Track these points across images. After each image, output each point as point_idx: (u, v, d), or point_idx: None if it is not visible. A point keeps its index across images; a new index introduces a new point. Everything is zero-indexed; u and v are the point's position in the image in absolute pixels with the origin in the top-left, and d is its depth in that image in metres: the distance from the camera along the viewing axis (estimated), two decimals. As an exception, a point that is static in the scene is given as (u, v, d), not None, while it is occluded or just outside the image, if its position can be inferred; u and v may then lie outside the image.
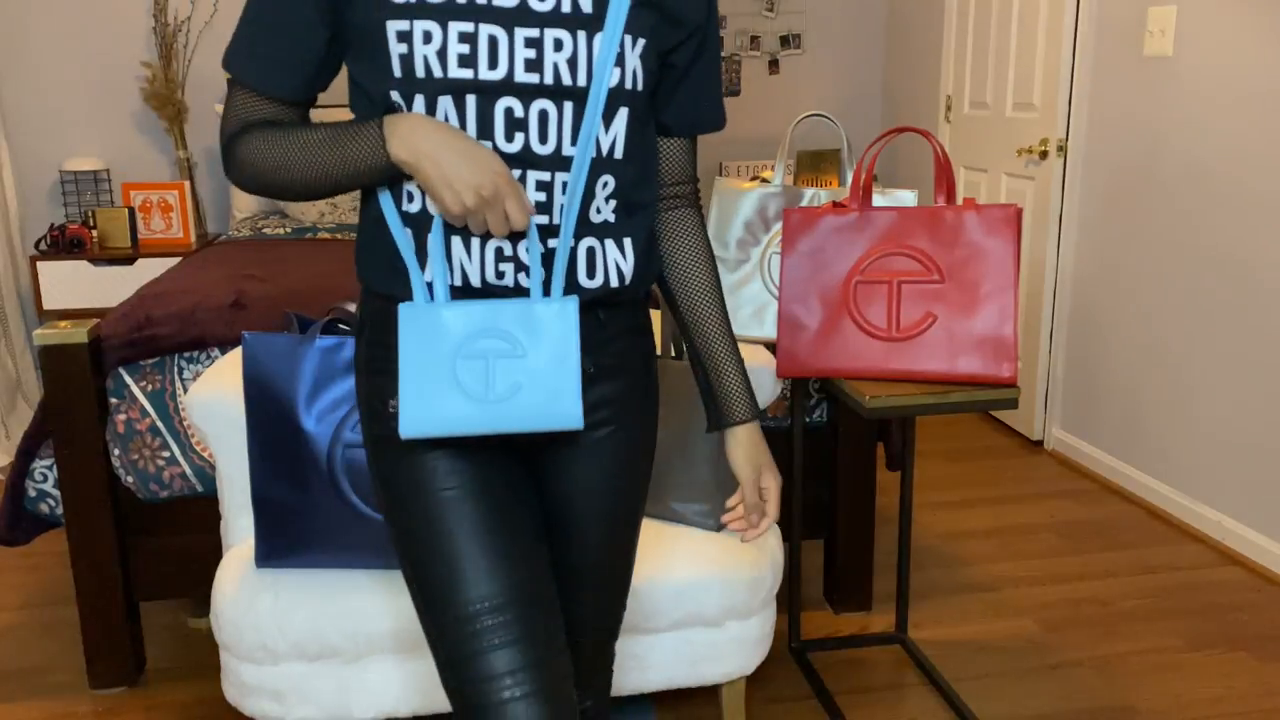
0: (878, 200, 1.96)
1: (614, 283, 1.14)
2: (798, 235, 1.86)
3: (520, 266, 1.10)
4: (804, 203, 2.00)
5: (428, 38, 1.02)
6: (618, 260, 1.14)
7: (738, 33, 4.71)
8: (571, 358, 1.08)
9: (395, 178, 1.08)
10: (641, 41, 1.09)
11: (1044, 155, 3.54)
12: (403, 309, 1.09)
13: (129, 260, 3.91)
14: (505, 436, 1.18)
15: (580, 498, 1.23)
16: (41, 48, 4.07)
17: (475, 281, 1.10)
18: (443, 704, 1.76)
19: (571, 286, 1.12)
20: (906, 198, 1.97)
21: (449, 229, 1.09)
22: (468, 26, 1.02)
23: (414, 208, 1.10)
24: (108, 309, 3.89)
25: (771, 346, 2.04)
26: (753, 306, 2.00)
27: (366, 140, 1.05)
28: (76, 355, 2.07)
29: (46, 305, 3.89)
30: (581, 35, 1.05)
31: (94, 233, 3.93)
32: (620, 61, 1.07)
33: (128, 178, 4.22)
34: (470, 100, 1.04)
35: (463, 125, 1.06)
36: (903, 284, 1.80)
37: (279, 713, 1.76)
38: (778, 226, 2.00)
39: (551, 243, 1.10)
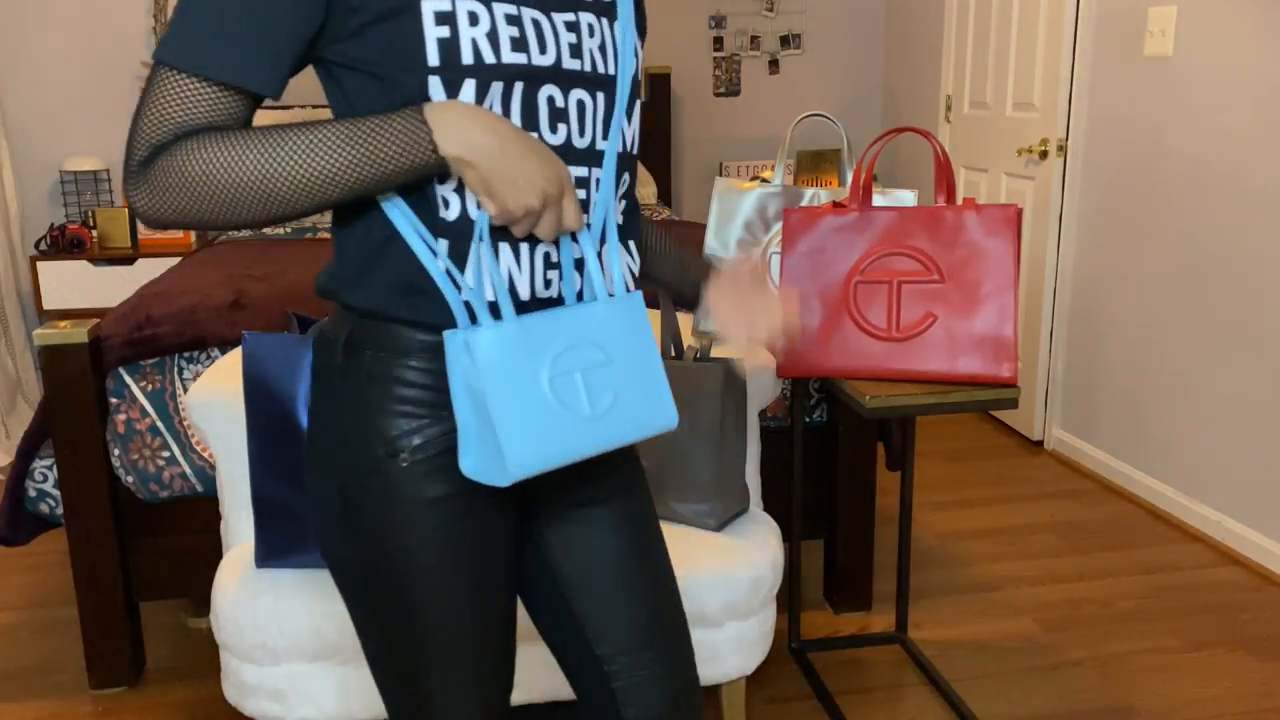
0: (878, 200, 1.96)
1: (629, 286, 1.08)
2: (798, 235, 1.86)
3: (563, 275, 1.02)
4: (804, 203, 2.00)
5: (474, 19, 0.92)
6: (629, 263, 1.09)
7: (738, 33, 4.71)
8: (654, 355, 1.03)
9: (424, 180, 0.95)
10: (635, 35, 1.06)
11: (1044, 155, 3.54)
12: (468, 337, 0.94)
13: (129, 260, 3.91)
14: (504, 495, 1.08)
15: (603, 565, 1.14)
16: (41, 48, 4.07)
17: (524, 293, 0.99)
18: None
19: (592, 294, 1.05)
20: (906, 198, 1.97)
21: (495, 235, 0.97)
22: (511, 9, 0.94)
23: (452, 214, 0.96)
24: (108, 309, 3.89)
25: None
26: (753, 306, 1.99)
27: (404, 135, 0.89)
28: (76, 355, 2.07)
29: (46, 305, 3.89)
30: (605, 22, 1.02)
31: (94, 233, 3.93)
32: (635, 51, 1.05)
33: (128, 178, 4.21)
34: (518, 88, 0.95)
35: (507, 115, 0.95)
36: (903, 284, 1.80)
37: (279, 713, 1.76)
38: (778, 226, 2.00)
39: (587, 248, 1.02)
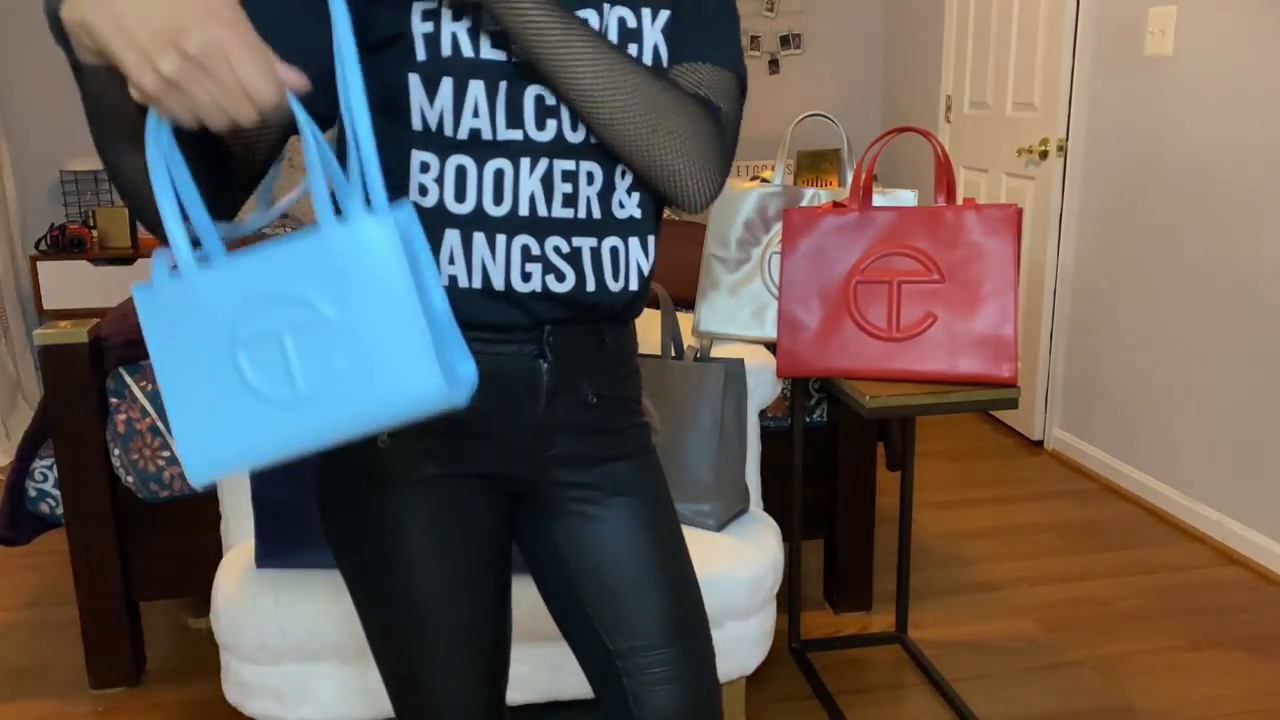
0: (878, 200, 1.96)
1: (634, 285, 1.05)
2: (798, 235, 1.86)
3: (550, 268, 0.99)
4: (804, 203, 2.00)
5: (458, 14, 0.94)
6: (639, 260, 1.05)
7: (738, 33, 4.71)
8: (403, 298, 0.74)
9: (389, 167, 0.94)
10: (664, 14, 1.01)
11: (1044, 155, 3.54)
12: (137, 292, 0.78)
13: (129, 260, 3.91)
14: (488, 477, 1.03)
15: (618, 565, 1.09)
16: (41, 48, 4.06)
17: (498, 284, 0.98)
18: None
19: (601, 290, 1.02)
20: (906, 198, 1.96)
21: (468, 223, 0.96)
22: None
23: (430, 201, 0.97)
24: (108, 309, 3.88)
25: (771, 346, 2.04)
26: (753, 306, 2.00)
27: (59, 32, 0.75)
28: (76, 355, 2.07)
29: (46, 305, 3.89)
30: (606, 7, 0.99)
31: (94, 232, 3.93)
32: (637, 37, 1.00)
33: (128, 178, 4.22)
34: (502, 86, 0.95)
35: (492, 111, 0.95)
36: (903, 284, 1.80)
37: (279, 713, 1.76)
38: (778, 226, 2.00)
39: (577, 240, 1.00)
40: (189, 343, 0.75)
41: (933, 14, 4.36)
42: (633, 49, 1.00)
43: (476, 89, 0.95)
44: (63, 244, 3.89)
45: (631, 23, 1.00)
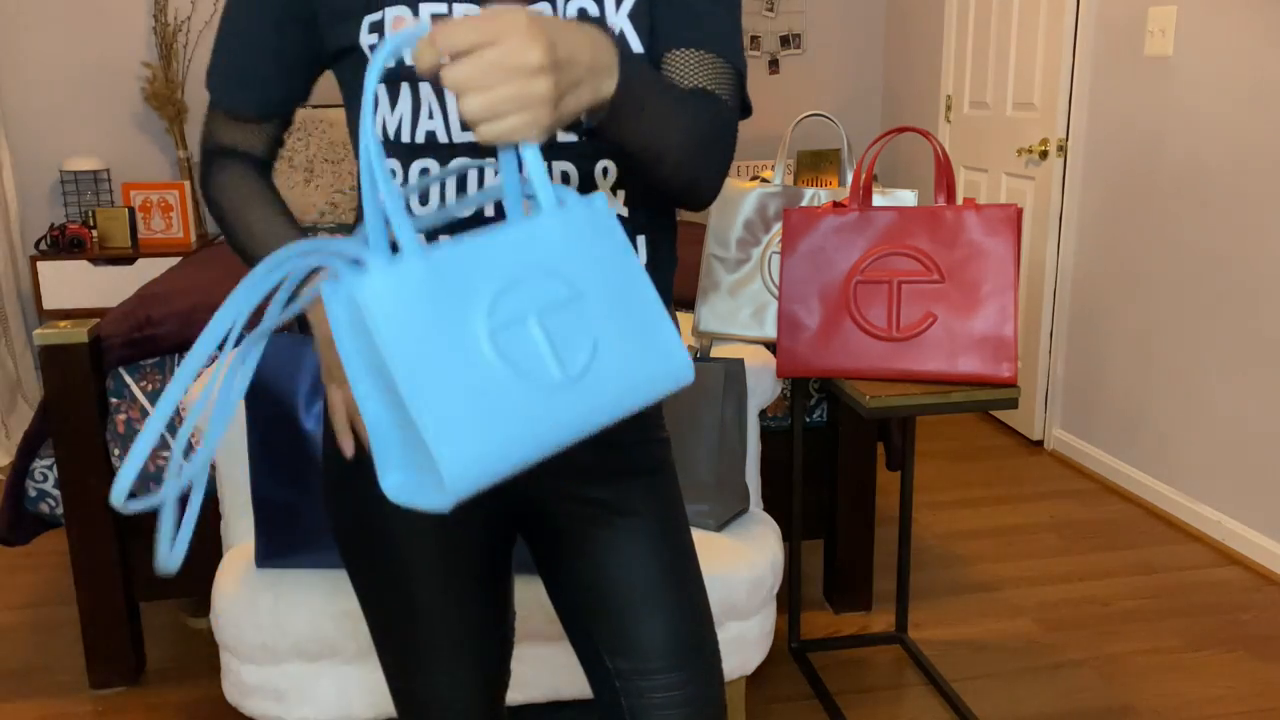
0: (878, 200, 1.96)
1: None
2: (798, 235, 1.86)
3: None
4: (804, 203, 2.00)
5: (399, 25, 0.94)
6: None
7: (738, 33, 4.70)
8: (641, 280, 0.73)
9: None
10: (628, 1, 0.97)
11: (1044, 155, 3.54)
12: (352, 290, 0.67)
13: (129, 260, 3.91)
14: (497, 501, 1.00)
15: (627, 583, 1.07)
16: (41, 48, 4.07)
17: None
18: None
19: None
20: (906, 198, 1.97)
21: (438, 228, 0.97)
22: (440, 7, 0.94)
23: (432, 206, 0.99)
24: (108, 309, 3.88)
25: (771, 346, 2.04)
26: (753, 306, 2.00)
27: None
28: (76, 355, 2.07)
29: (46, 305, 3.89)
30: (560, 2, 0.96)
31: (94, 233, 3.93)
32: (602, 25, 0.96)
33: (128, 178, 4.22)
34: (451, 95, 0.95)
35: (444, 115, 0.96)
36: (903, 284, 1.80)
37: (279, 713, 1.76)
38: (778, 226, 2.00)
39: None
40: (434, 334, 0.66)
41: (933, 14, 4.36)
42: None
43: (428, 94, 0.96)
44: (63, 244, 3.88)
45: (593, 11, 0.97)
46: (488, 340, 0.67)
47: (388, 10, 0.95)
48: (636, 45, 0.98)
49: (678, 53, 0.99)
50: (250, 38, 1.03)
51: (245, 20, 1.03)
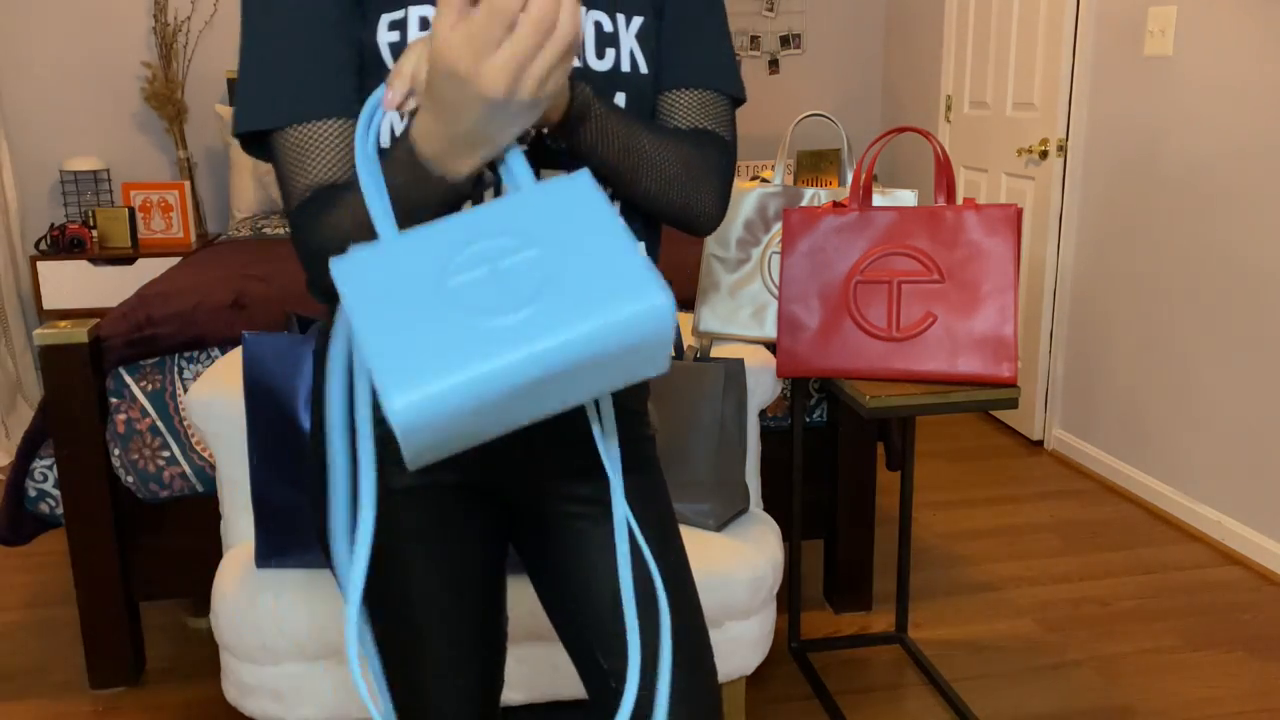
0: (878, 200, 1.96)
1: None
2: (798, 235, 1.86)
3: None
4: (804, 203, 2.00)
5: (424, 24, 0.93)
6: None
7: (738, 33, 4.71)
8: (614, 230, 0.73)
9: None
10: (638, 20, 1.00)
11: (1044, 155, 3.54)
12: (336, 265, 0.75)
13: (129, 260, 3.91)
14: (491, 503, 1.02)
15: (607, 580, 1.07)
16: (41, 48, 4.07)
17: None
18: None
19: None
20: (906, 198, 1.97)
21: None
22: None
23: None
24: (108, 309, 3.88)
25: (771, 346, 2.04)
26: (753, 306, 2.00)
27: (425, 177, 0.82)
28: (76, 355, 2.07)
29: (46, 305, 3.89)
30: (583, 11, 0.96)
31: (94, 233, 3.93)
32: (614, 42, 0.98)
33: (128, 178, 4.22)
34: None
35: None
36: (903, 284, 1.80)
37: (279, 713, 1.76)
38: (778, 226, 2.00)
39: None
40: (391, 292, 0.71)
41: (933, 14, 4.36)
42: (610, 54, 0.98)
43: None
44: (63, 244, 3.89)
45: (608, 27, 0.99)
46: (439, 287, 0.71)
47: (410, 9, 0.93)
48: (643, 66, 1.01)
49: (680, 93, 1.03)
50: (310, 47, 0.92)
51: (300, 32, 0.92)
